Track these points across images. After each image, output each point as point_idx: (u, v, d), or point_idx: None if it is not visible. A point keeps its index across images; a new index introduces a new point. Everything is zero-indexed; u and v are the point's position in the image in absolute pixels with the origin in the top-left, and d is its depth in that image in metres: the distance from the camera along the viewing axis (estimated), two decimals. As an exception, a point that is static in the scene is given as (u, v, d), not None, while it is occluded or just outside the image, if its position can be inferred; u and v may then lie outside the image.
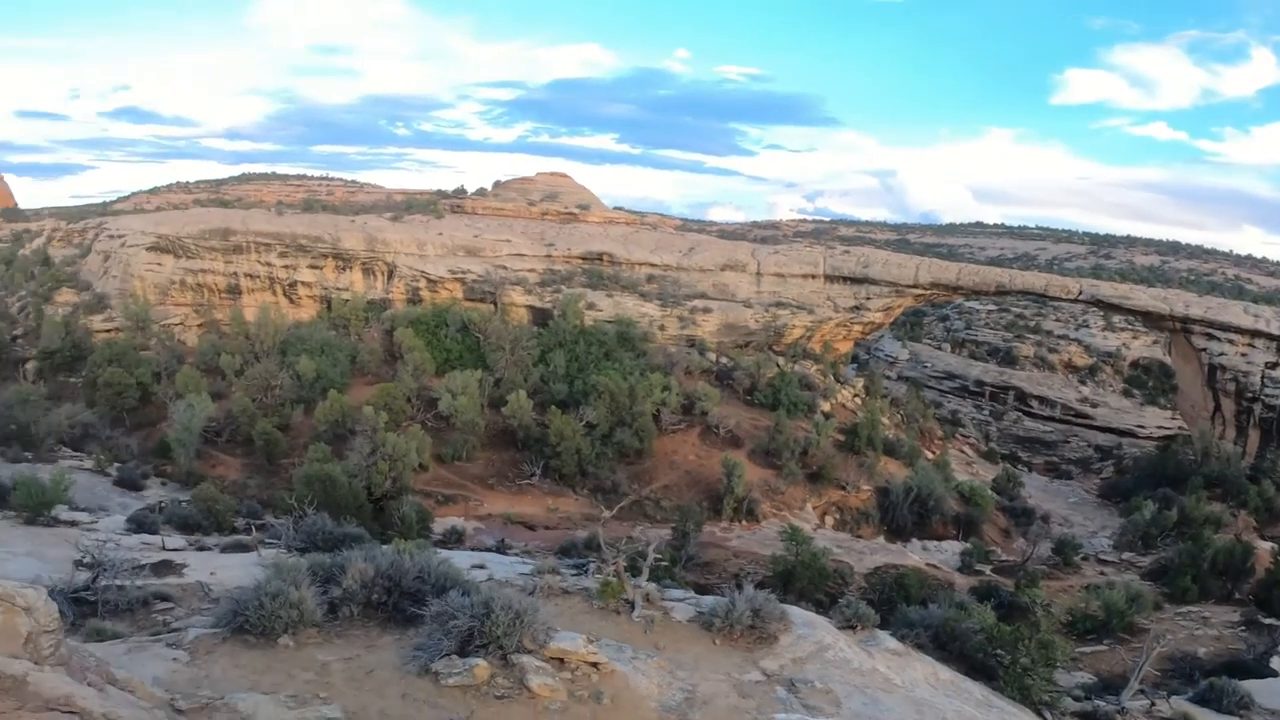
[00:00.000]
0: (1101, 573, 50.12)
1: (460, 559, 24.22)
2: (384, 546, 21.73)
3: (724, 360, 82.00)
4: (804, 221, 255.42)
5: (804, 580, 37.93)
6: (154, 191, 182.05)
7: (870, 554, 49.57)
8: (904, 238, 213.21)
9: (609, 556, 19.73)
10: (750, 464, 63.09)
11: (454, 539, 44.04)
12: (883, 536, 59.51)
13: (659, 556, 22.48)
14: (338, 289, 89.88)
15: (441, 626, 13.98)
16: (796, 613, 19.31)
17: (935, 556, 52.76)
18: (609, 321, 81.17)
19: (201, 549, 29.92)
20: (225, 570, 24.56)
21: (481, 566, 25.86)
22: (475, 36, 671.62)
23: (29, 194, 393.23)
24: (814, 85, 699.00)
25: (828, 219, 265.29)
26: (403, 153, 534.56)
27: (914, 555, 51.25)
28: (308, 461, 49.91)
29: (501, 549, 41.26)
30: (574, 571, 22.77)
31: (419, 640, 14.40)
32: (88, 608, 18.54)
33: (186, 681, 12.80)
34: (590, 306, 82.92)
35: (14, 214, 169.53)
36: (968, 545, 56.10)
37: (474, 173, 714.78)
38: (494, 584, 18.90)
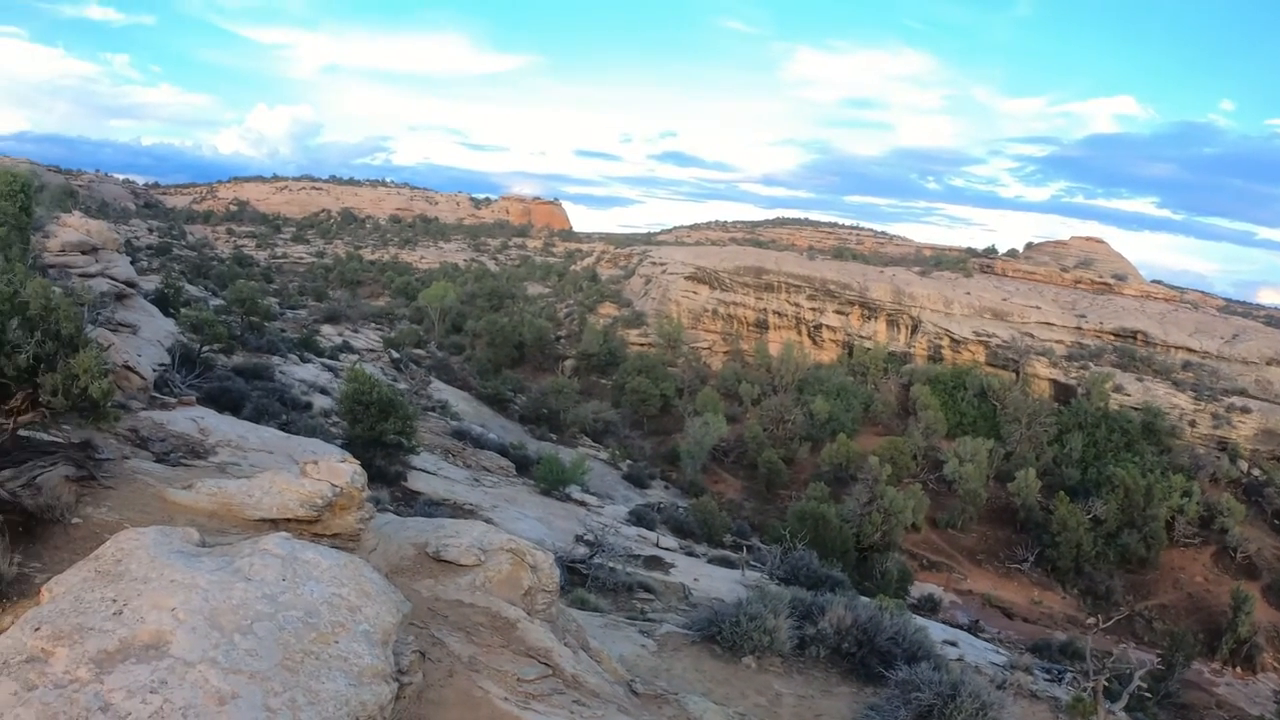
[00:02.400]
0: None
1: (934, 630, 23.13)
2: (863, 599, 21.13)
3: (1255, 472, 70.92)
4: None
5: (1287, 755, 32.34)
6: (694, 228, 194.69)
7: (1369, 745, 41.50)
8: None
9: (1091, 670, 17.81)
10: (1262, 601, 54.50)
11: (928, 607, 42.32)
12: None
13: (1142, 684, 20.02)
14: (861, 337, 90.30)
15: (903, 694, 13.19)
16: (1267, 789, 16.44)
17: None
18: (1135, 408, 73.36)
19: (690, 554, 30.89)
20: (708, 580, 25.07)
21: (953, 644, 24.68)
22: (1004, 90, 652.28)
23: (582, 220, 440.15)
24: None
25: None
26: (933, 207, 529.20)
27: None
28: (805, 497, 50.34)
29: (974, 630, 39.04)
30: (1047, 675, 21.00)
31: (875, 700, 13.72)
32: (578, 578, 19.57)
33: (648, 669, 13.00)
34: (1117, 389, 75.67)
35: (569, 235, 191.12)
36: None
37: (1005, 232, 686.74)
38: (964, 666, 17.76)
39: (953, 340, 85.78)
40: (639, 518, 36.01)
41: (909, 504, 51.06)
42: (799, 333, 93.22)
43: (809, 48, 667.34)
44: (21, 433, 11.98)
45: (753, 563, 30.95)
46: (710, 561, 30.31)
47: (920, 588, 47.44)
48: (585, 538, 24.08)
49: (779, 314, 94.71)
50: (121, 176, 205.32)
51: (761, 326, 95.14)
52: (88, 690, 5.86)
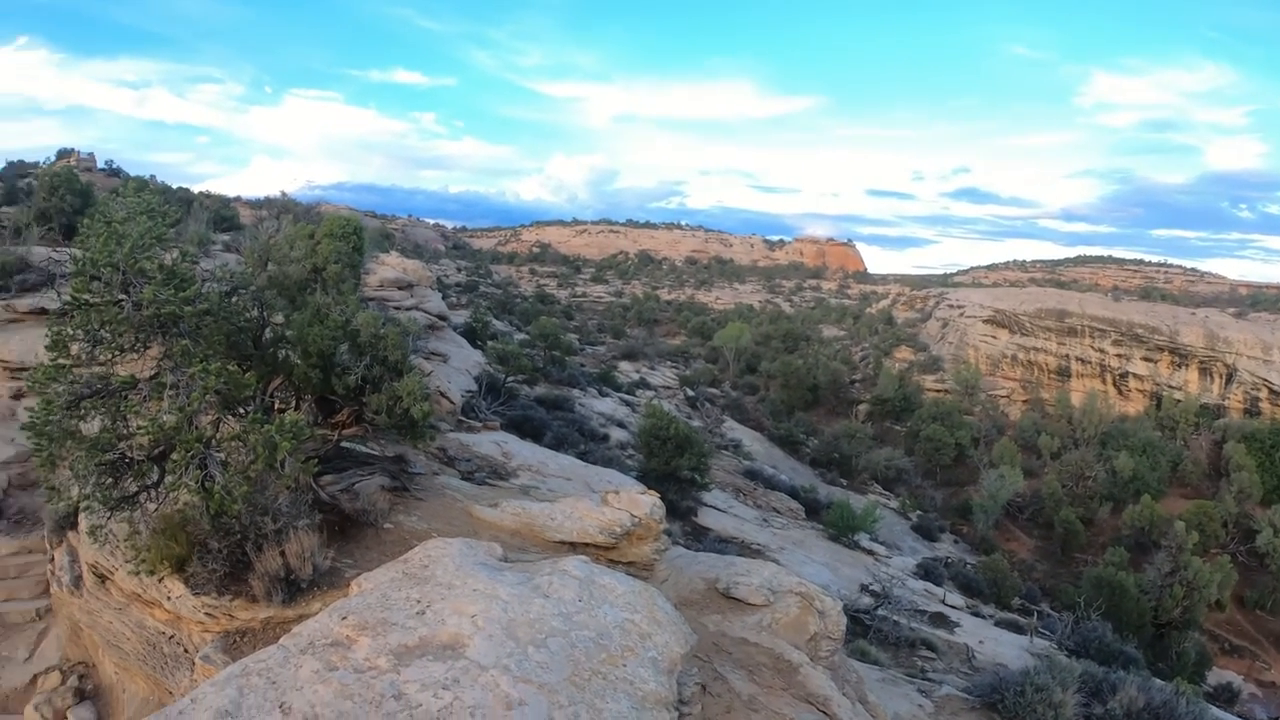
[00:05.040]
0: None
1: (1229, 723, 21.17)
2: (1157, 681, 19.66)
3: None
4: None
5: None
6: (991, 268, 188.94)
7: None
8: None
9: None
10: None
11: (1224, 697, 38.13)
12: None
13: None
14: (1170, 386, 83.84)
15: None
16: None
17: None
18: None
19: (976, 614, 29.73)
20: (993, 644, 24.09)
21: (1248, 740, 22.59)
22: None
23: (876, 261, 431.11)
24: None
25: None
26: (1247, 239, 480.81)
27: None
28: (1103, 563, 47.33)
29: (1271, 728, 35.33)
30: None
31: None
32: (859, 628, 19.18)
33: (927, 730, 12.61)
34: None
35: (864, 277, 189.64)
36: None
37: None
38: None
39: (1271, 391, 78.27)
40: (926, 571, 35.05)
41: (1215, 578, 46.51)
42: (1103, 381, 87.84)
43: (1101, 70, 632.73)
44: (344, 444, 13.01)
45: (1041, 629, 29.44)
46: (997, 624, 29.01)
47: (1218, 674, 43.19)
48: (871, 588, 23.65)
49: (1082, 360, 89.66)
50: (432, 221, 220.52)
51: (1063, 374, 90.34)
52: (384, 678, 6.31)
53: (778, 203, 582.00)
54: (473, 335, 41.69)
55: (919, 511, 56.21)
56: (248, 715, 5.99)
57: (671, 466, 28.32)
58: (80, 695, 13.21)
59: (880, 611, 20.78)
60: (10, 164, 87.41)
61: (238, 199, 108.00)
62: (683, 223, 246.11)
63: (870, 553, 34.45)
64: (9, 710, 13.48)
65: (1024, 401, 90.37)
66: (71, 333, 10.03)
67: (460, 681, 6.30)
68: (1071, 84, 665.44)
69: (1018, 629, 28.57)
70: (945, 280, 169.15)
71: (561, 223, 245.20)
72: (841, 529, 34.19)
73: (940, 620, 25.39)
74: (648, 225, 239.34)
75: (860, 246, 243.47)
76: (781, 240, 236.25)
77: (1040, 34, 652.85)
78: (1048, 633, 28.81)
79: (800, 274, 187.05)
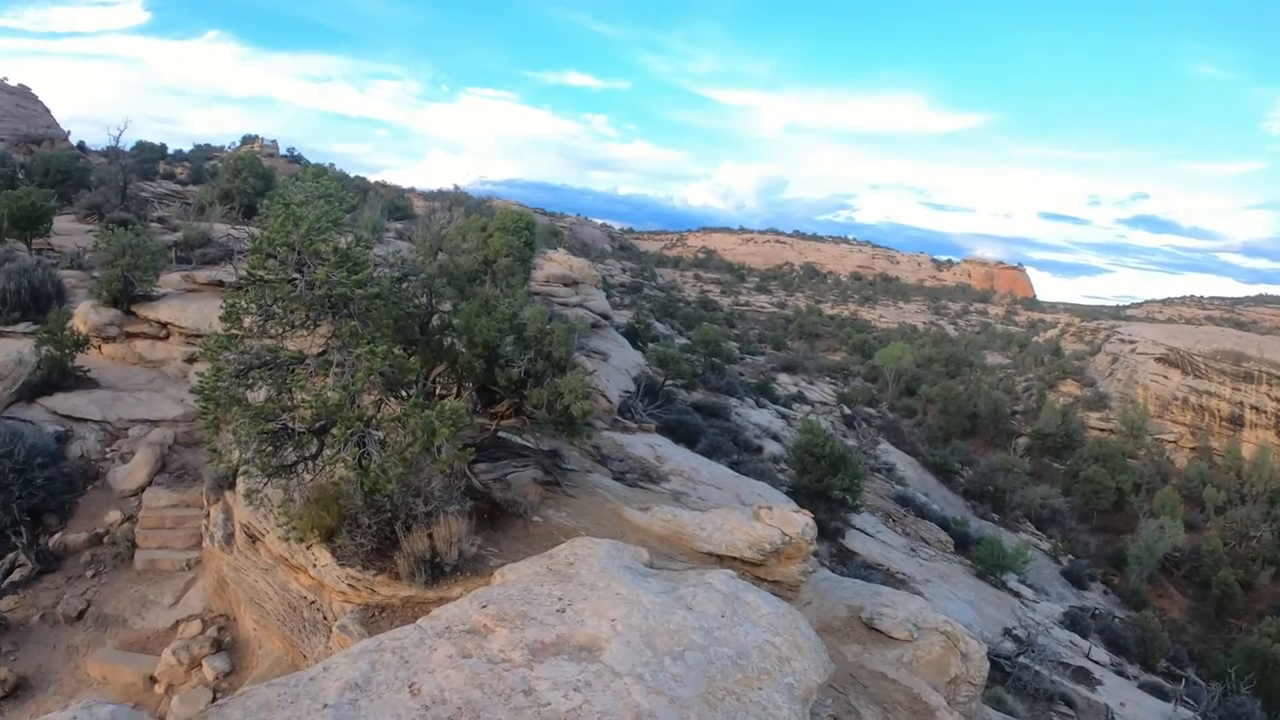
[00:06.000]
0: None
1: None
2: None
3: None
4: None
5: None
6: (1166, 302, 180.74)
7: None
8: None
9: None
10: None
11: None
12: None
13: None
14: (1341, 441, 78.39)
15: None
16: None
17: None
18: None
19: (1120, 673, 28.50)
20: (1134, 707, 23.08)
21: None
22: None
23: (1046, 288, 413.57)
24: None
25: None
26: None
27: None
28: (1258, 633, 44.65)
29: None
30: None
31: None
32: (998, 674, 18.51)
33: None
34: None
35: (1032, 304, 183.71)
36: None
37: None
38: None
39: None
40: (1073, 621, 33.69)
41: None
42: (1278, 434, 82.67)
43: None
44: (500, 434, 13.17)
45: (1186, 698, 27.95)
46: (1140, 686, 27.69)
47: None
48: (1015, 632, 22.87)
49: (1257, 409, 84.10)
50: (599, 221, 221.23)
51: (1236, 422, 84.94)
52: (516, 672, 6.31)
53: (948, 221, 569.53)
54: (634, 336, 41.98)
55: (1070, 556, 54.15)
56: (376, 691, 6.07)
57: (823, 485, 27.87)
58: (217, 646, 13.74)
59: (1022, 659, 20.04)
60: (198, 147, 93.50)
61: (412, 190, 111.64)
62: (850, 237, 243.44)
63: (1017, 594, 33.36)
64: (148, 651, 14.07)
65: (1192, 449, 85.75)
66: (245, 306, 10.45)
67: (592, 685, 6.25)
68: (1259, 109, 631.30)
69: (1162, 694, 27.26)
70: (1117, 313, 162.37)
71: (728, 230, 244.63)
72: (990, 567, 33.17)
73: (1082, 675, 24.40)
74: (814, 237, 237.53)
75: (1030, 271, 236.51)
76: (949, 260, 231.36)
77: (1228, 54, 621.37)
78: (1192, 702, 27.37)
79: (967, 296, 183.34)
